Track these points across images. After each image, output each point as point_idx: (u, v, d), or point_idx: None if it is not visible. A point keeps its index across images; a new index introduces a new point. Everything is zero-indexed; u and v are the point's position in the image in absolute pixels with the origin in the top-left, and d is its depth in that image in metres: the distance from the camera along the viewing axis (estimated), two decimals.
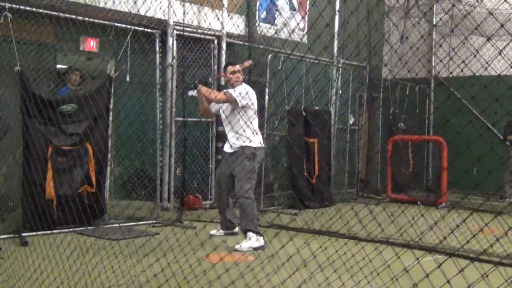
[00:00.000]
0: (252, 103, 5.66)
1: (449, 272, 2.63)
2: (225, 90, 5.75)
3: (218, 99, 5.67)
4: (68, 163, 6.23)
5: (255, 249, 5.39)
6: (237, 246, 5.40)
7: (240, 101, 5.56)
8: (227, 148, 5.78)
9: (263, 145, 5.82)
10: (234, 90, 5.64)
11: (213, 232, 6.13)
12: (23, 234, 5.53)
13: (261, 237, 5.53)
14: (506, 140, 9.91)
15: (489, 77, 3.45)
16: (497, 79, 3.30)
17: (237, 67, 5.84)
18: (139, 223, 6.67)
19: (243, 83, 5.86)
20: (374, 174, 11.57)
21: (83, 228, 5.98)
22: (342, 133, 10.70)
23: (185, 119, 7.94)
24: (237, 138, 5.54)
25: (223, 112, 5.80)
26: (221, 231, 6.13)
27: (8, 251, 4.87)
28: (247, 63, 6.29)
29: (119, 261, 3.97)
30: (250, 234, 5.51)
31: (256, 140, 5.63)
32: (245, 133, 5.48)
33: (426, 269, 2.76)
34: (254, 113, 5.71)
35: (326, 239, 5.52)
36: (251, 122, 5.60)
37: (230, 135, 5.70)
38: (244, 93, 5.55)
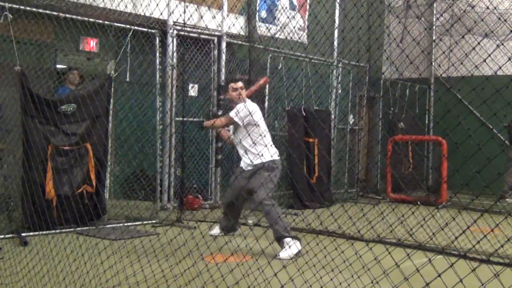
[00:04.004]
0: (255, 119, 5.46)
1: (459, 272, 2.62)
2: (226, 115, 5.74)
3: (222, 124, 5.72)
4: (68, 163, 6.23)
5: (296, 254, 5.15)
6: (280, 255, 5.17)
7: (239, 120, 5.45)
8: (243, 165, 5.65)
9: (277, 158, 5.58)
10: (235, 110, 5.51)
11: (212, 232, 6.12)
12: (23, 234, 5.54)
13: (298, 241, 5.30)
14: None
15: (489, 78, 3.45)
16: (495, 78, 3.31)
17: (239, 84, 5.68)
18: (139, 223, 6.68)
19: (246, 100, 5.69)
20: (374, 174, 11.57)
21: (83, 228, 5.99)
22: (342, 133, 10.71)
23: (184, 119, 7.94)
24: (248, 155, 5.45)
25: (234, 132, 5.80)
26: (217, 229, 6.11)
27: (8, 251, 4.87)
28: (263, 81, 6.21)
29: (115, 261, 3.96)
30: (286, 240, 5.27)
31: (267, 155, 5.44)
32: (255, 150, 5.39)
33: (430, 270, 2.76)
34: (263, 128, 5.55)
35: (328, 239, 5.51)
36: (261, 137, 5.41)
37: (241, 152, 5.61)
38: (241, 110, 5.38)
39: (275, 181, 5.57)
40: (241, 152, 5.63)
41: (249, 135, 5.39)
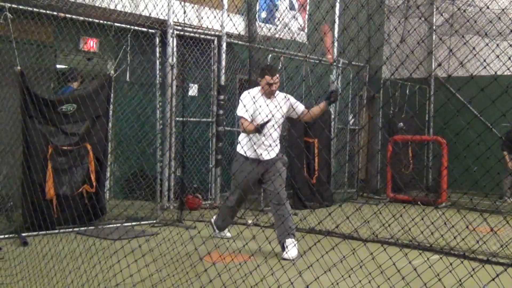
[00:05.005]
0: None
1: (459, 272, 2.63)
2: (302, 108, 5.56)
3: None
4: (68, 163, 6.23)
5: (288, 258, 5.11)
6: (285, 256, 5.13)
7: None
8: (265, 156, 5.42)
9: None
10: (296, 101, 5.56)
11: (228, 234, 6.06)
12: (23, 234, 5.53)
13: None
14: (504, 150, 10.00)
15: (489, 77, 3.44)
16: (497, 79, 3.30)
17: (275, 78, 5.44)
18: (139, 223, 6.67)
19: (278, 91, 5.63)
20: (374, 174, 11.56)
21: (83, 228, 5.98)
22: (342, 133, 10.71)
23: (184, 119, 7.94)
24: (275, 146, 5.45)
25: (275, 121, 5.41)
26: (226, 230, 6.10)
27: (8, 251, 4.87)
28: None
29: (118, 261, 3.96)
30: (289, 240, 5.21)
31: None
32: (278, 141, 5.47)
33: (430, 270, 2.76)
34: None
35: (331, 240, 5.50)
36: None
37: (268, 143, 5.38)
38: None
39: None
40: (268, 143, 5.39)
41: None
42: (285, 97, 5.50)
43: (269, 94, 5.45)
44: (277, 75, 5.46)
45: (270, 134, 5.32)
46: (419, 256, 4.38)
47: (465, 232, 5.38)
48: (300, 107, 5.54)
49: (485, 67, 3.33)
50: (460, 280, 2.49)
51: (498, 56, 3.48)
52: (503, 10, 4.71)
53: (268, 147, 5.36)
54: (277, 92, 5.53)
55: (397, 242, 5.60)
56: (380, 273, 3.07)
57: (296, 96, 9.45)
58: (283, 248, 5.22)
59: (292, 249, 5.13)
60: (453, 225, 3.42)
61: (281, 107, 5.33)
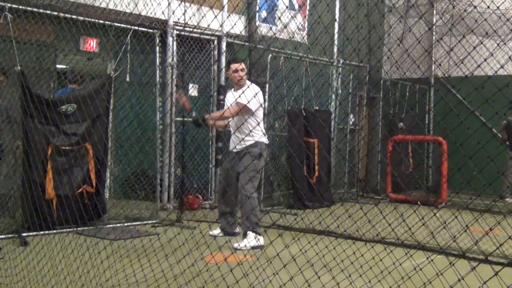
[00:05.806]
0: (261, 104, 5.66)
1: (458, 272, 2.63)
2: (236, 101, 5.45)
3: (232, 114, 5.51)
4: (68, 163, 6.23)
5: (253, 247, 5.39)
6: (235, 245, 5.44)
7: (252, 108, 5.52)
8: (236, 147, 5.67)
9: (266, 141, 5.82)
10: (245, 97, 5.41)
11: (212, 232, 6.12)
12: (23, 234, 5.53)
13: (261, 237, 5.54)
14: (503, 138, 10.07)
15: (490, 77, 3.45)
16: (495, 78, 3.30)
17: (240, 65, 5.70)
18: (139, 223, 6.68)
19: (248, 82, 5.81)
20: (374, 174, 11.57)
21: (83, 228, 5.99)
22: (342, 133, 10.71)
23: (184, 119, 7.94)
24: (244, 137, 5.51)
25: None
26: (218, 230, 6.13)
27: (8, 251, 4.87)
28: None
29: (113, 260, 3.96)
30: (249, 233, 5.54)
31: (263, 137, 5.69)
32: (255, 133, 5.51)
33: (430, 270, 2.76)
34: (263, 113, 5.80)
35: (329, 239, 5.51)
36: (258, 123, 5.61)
37: (237, 135, 5.60)
38: (253, 97, 5.49)
39: (259, 168, 5.68)
40: (238, 135, 5.57)
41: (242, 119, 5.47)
42: (253, 89, 5.61)
43: (238, 83, 5.69)
44: (241, 62, 5.72)
45: (237, 126, 5.51)
46: (415, 255, 4.38)
47: (464, 233, 5.38)
48: (239, 100, 5.38)
49: (479, 66, 3.33)
50: (459, 280, 2.49)
51: (492, 55, 3.48)
52: (498, 7, 4.72)
53: (235, 140, 5.61)
54: (252, 86, 5.71)
55: (396, 242, 5.60)
56: (381, 274, 3.07)
57: (296, 95, 9.51)
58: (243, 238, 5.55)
59: (245, 241, 5.44)
60: (445, 227, 3.42)
61: (245, 95, 5.29)
